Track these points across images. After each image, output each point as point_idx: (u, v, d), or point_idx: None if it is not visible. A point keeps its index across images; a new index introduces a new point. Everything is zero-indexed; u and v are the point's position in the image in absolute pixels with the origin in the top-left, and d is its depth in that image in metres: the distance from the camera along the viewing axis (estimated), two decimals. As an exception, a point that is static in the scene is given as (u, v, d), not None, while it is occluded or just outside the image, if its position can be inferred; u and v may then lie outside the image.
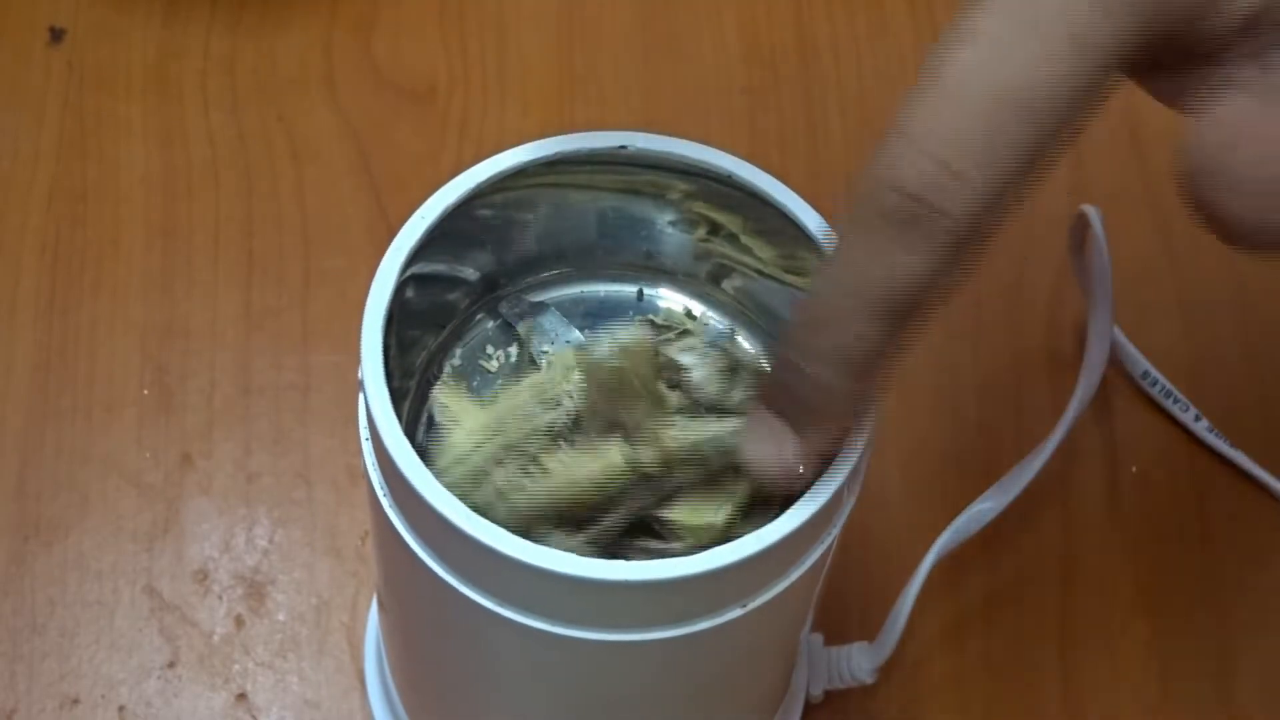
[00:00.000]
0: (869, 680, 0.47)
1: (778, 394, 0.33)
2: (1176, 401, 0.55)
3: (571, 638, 0.33)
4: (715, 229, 0.39)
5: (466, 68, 0.61)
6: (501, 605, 0.33)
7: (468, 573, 0.33)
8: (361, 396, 0.34)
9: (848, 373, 0.31)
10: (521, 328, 0.39)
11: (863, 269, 0.30)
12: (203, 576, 0.50)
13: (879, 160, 0.29)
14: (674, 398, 0.35)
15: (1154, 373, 0.55)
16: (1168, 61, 0.31)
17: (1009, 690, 0.50)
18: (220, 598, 0.50)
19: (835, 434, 0.33)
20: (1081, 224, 0.51)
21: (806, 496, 0.33)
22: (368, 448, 0.35)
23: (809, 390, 0.31)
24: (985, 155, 0.28)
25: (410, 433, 0.37)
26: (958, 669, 0.50)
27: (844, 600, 0.50)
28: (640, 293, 0.41)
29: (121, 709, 0.48)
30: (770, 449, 0.33)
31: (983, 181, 0.28)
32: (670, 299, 0.41)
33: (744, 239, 0.39)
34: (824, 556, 0.35)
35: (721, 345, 0.37)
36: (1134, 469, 0.54)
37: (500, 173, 0.37)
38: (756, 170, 0.37)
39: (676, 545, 0.35)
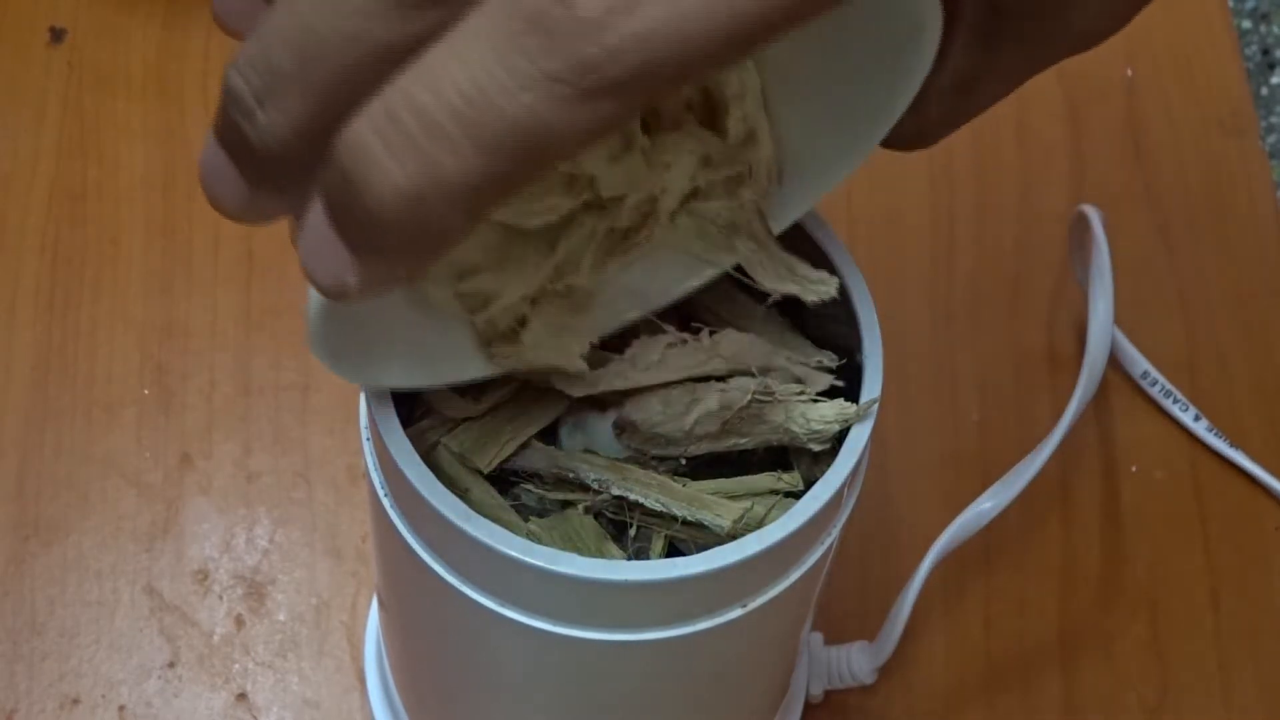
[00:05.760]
0: (869, 680, 0.47)
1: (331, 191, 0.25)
2: (1176, 401, 0.55)
3: (571, 638, 0.33)
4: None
5: (466, 68, 0.61)
6: (502, 605, 0.33)
7: (468, 572, 0.33)
8: (362, 396, 0.34)
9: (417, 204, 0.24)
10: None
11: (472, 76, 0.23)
12: (203, 576, 0.50)
13: None
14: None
15: (1154, 373, 0.55)
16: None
17: (1009, 690, 0.50)
18: (220, 598, 0.50)
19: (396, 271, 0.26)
20: (1081, 224, 0.51)
21: (807, 496, 0.33)
22: (368, 447, 0.35)
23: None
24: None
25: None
26: (958, 669, 0.50)
27: (844, 600, 0.50)
28: None
29: (121, 709, 0.48)
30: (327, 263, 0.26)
31: (663, 20, 0.22)
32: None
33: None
34: (824, 556, 0.35)
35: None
36: (1134, 469, 0.54)
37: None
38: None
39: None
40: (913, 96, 0.32)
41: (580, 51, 0.22)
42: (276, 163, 0.26)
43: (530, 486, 0.35)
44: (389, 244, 0.25)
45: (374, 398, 0.33)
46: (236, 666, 0.49)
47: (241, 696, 0.48)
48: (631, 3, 0.22)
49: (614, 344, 0.35)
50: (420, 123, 0.23)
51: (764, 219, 0.35)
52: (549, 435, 0.36)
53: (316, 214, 0.25)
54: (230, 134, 0.26)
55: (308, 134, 0.25)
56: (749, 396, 0.34)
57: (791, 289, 0.35)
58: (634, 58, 0.22)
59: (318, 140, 0.25)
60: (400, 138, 0.23)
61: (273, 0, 0.26)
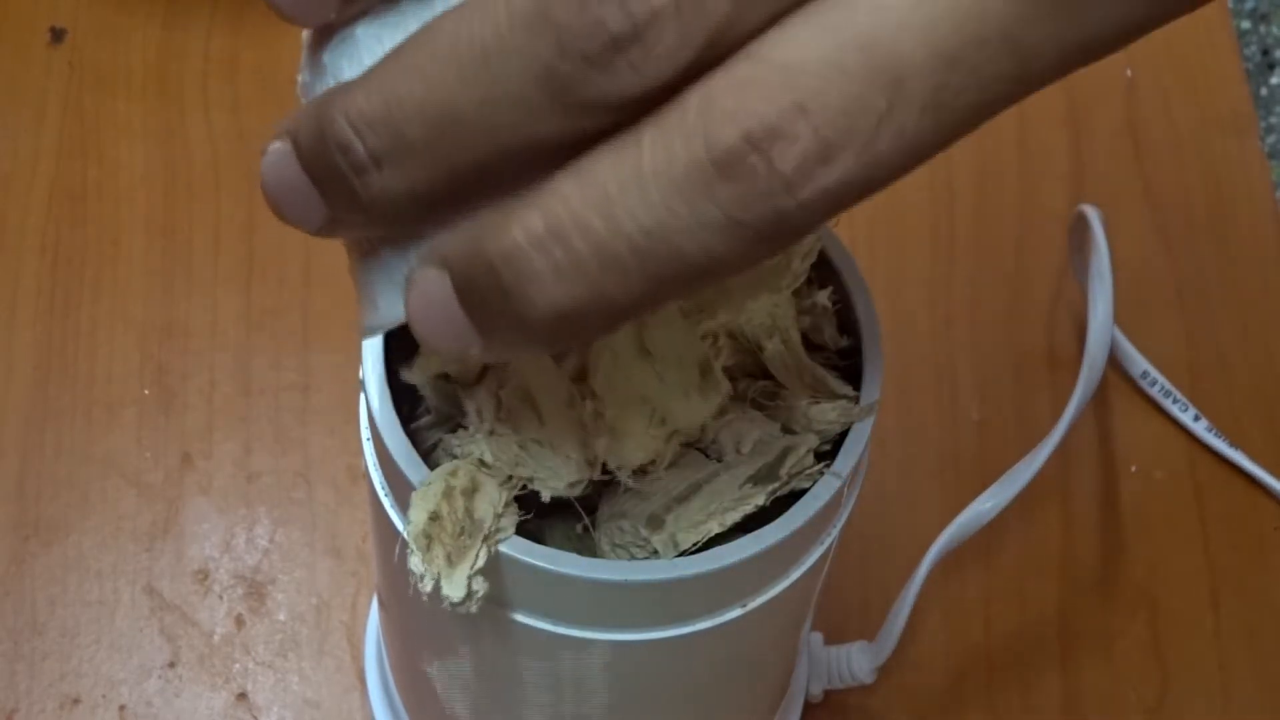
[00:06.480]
0: (869, 680, 0.47)
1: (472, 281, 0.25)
2: (1176, 401, 0.55)
3: (572, 637, 0.33)
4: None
5: (466, 68, 0.61)
6: (501, 605, 0.33)
7: (468, 572, 0.33)
8: (362, 396, 0.34)
9: (559, 315, 0.24)
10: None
11: (653, 210, 0.23)
12: (203, 576, 0.50)
13: (728, 83, 0.22)
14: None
15: (1154, 373, 0.55)
16: None
17: (1009, 690, 0.50)
18: (220, 598, 0.50)
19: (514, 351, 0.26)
20: (1081, 224, 0.51)
21: (806, 496, 0.33)
22: (369, 447, 0.35)
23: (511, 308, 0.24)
24: (871, 141, 0.22)
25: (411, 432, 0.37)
26: (958, 669, 0.50)
27: (844, 600, 0.50)
28: None
29: (122, 709, 0.48)
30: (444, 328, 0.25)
31: (855, 171, 0.22)
32: None
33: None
34: (824, 556, 0.35)
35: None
36: (1134, 469, 0.54)
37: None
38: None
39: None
40: None
41: (774, 205, 0.22)
42: (379, 215, 0.25)
43: None
44: (529, 341, 0.24)
45: (374, 397, 0.33)
46: (237, 666, 0.49)
47: (242, 696, 0.48)
48: (826, 154, 0.22)
49: None
50: (592, 249, 0.23)
51: (797, 328, 0.35)
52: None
53: (440, 287, 0.25)
54: (326, 172, 0.25)
55: (423, 202, 0.25)
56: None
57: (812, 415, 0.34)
58: (825, 207, 0.22)
59: (431, 207, 0.25)
60: (568, 261, 0.23)
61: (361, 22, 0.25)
